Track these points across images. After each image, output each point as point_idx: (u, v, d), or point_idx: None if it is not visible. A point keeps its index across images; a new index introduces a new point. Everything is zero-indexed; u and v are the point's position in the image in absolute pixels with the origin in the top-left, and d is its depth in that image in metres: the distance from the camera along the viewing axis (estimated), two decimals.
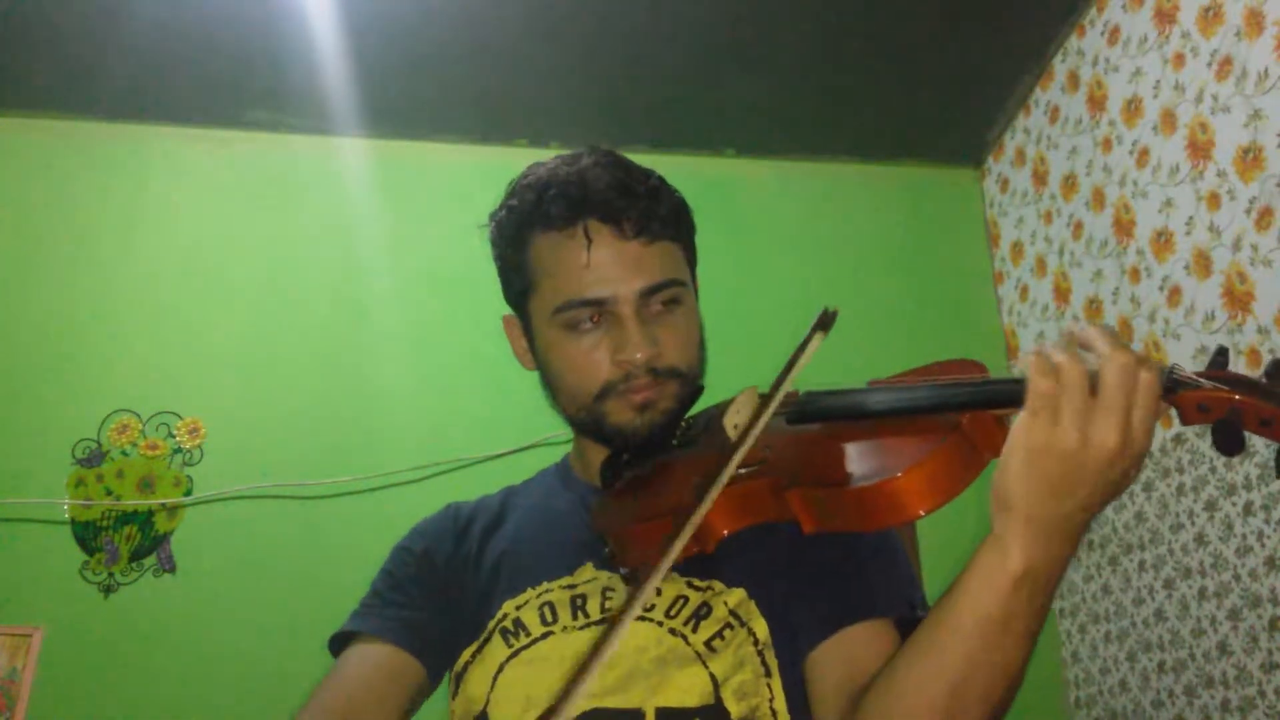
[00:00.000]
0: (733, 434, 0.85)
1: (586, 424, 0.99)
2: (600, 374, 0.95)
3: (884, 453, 0.75)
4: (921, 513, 0.71)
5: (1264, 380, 0.65)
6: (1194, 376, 0.67)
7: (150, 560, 2.33)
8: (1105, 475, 0.67)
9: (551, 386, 1.02)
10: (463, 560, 1.04)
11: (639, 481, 0.95)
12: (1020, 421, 0.68)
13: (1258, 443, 1.84)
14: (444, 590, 1.02)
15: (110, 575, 2.31)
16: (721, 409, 0.93)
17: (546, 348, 1.00)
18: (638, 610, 0.66)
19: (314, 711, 0.93)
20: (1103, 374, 0.66)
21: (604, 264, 0.94)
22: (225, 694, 2.23)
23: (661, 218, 0.97)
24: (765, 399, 0.78)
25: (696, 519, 0.72)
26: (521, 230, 1.00)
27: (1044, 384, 0.67)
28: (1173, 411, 0.68)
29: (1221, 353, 0.69)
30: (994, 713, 0.75)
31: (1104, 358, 0.66)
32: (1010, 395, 0.70)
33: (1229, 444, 0.65)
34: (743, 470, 0.80)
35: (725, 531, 0.82)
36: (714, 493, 0.74)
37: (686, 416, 0.98)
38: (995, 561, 0.70)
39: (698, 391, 0.99)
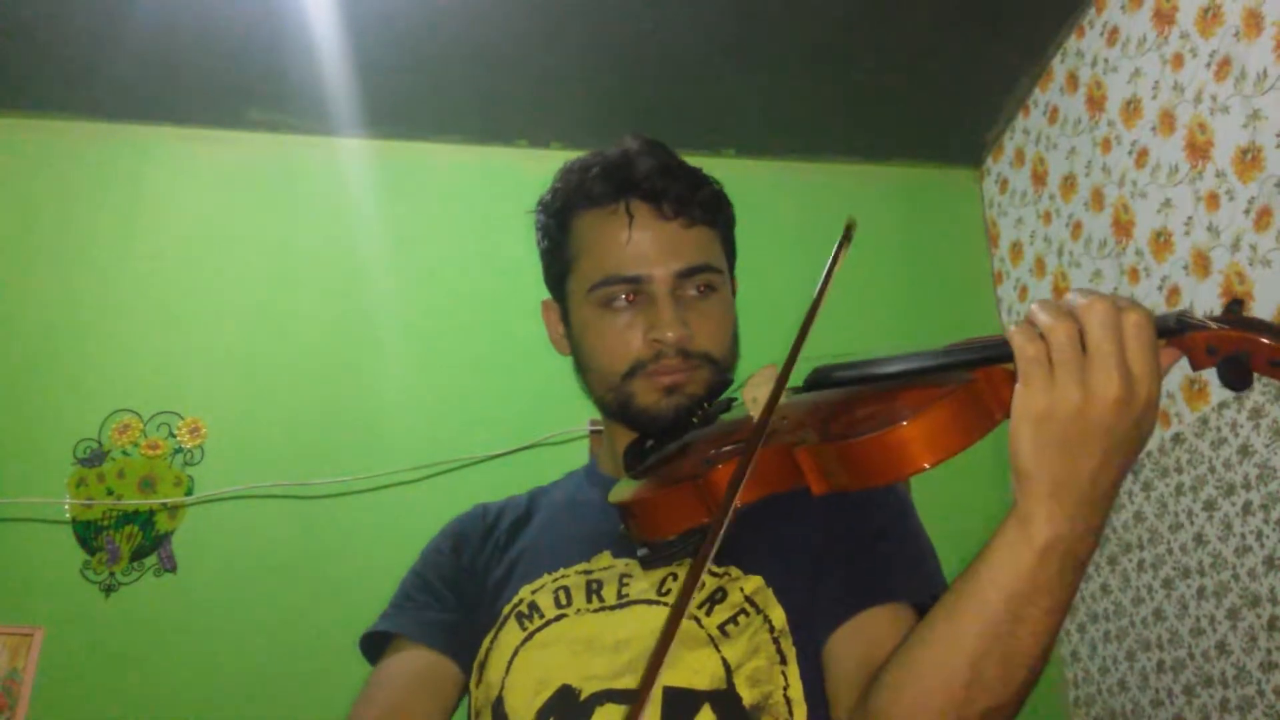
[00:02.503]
0: (752, 408, 0.85)
1: (613, 405, 0.99)
2: (631, 351, 0.96)
3: (893, 408, 0.74)
4: (927, 465, 0.69)
5: (1278, 323, 0.64)
6: (1203, 319, 0.65)
7: (151, 560, 2.34)
8: (1116, 427, 0.65)
9: (583, 367, 1.03)
10: (489, 556, 1.05)
11: (660, 461, 0.95)
12: (1018, 392, 0.67)
13: (1257, 443, 1.84)
14: (472, 589, 1.03)
15: (111, 575, 2.31)
16: (740, 389, 0.93)
17: (581, 326, 1.01)
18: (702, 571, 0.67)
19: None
20: (1085, 324, 0.64)
21: (643, 242, 0.96)
22: (225, 694, 2.23)
23: (702, 203, 0.99)
24: (805, 323, 0.78)
25: (749, 462, 0.72)
26: (565, 209, 1.02)
27: (1030, 349, 0.65)
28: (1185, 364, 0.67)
29: (1236, 302, 0.67)
30: (1015, 694, 0.72)
31: (1082, 309, 0.65)
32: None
33: (1236, 379, 0.64)
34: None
35: (738, 502, 0.80)
36: (759, 436, 0.73)
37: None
38: (1019, 533, 0.68)
39: (727, 382, 0.99)
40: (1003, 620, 0.70)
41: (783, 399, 0.79)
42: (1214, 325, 0.65)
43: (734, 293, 1.06)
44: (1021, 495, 0.68)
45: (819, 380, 0.84)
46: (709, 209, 1.00)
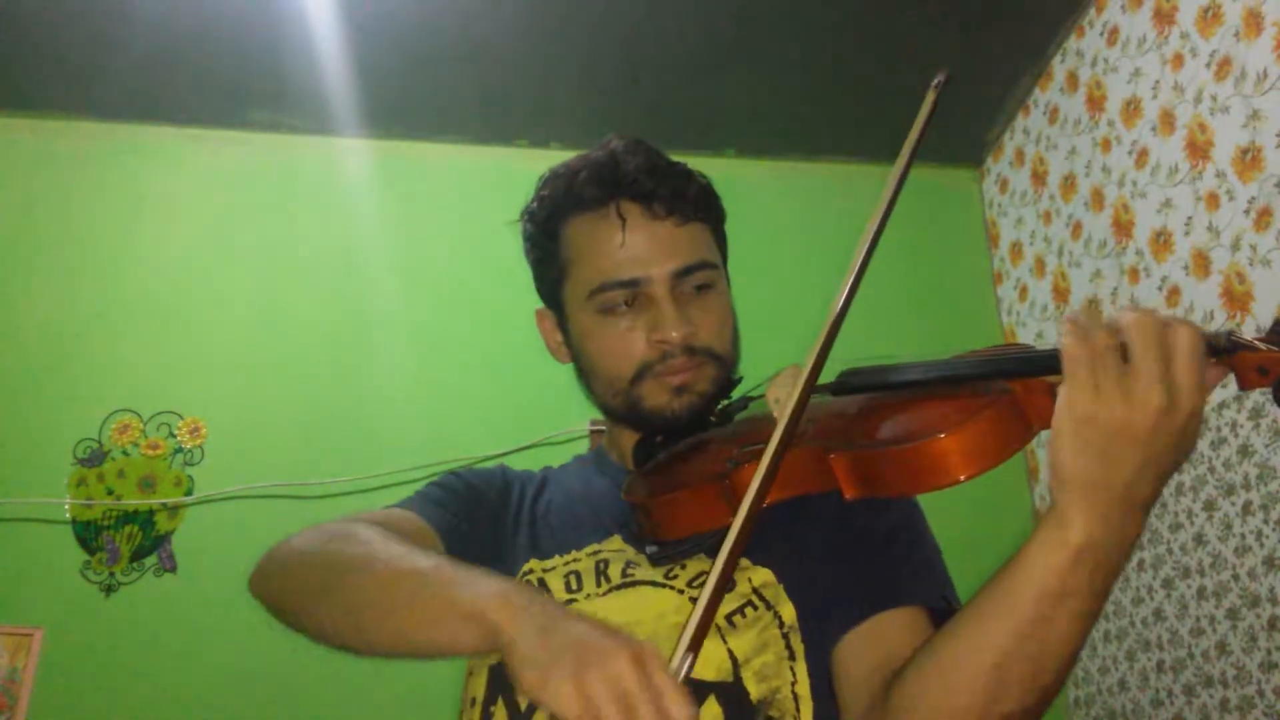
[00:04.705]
0: (776, 409, 0.84)
1: (623, 410, 0.99)
2: (636, 355, 0.95)
3: (931, 417, 0.73)
4: (963, 476, 0.70)
5: None
6: (1252, 340, 0.66)
7: (151, 560, 2.34)
8: (1156, 437, 0.65)
9: (587, 374, 1.02)
10: (505, 504, 1.05)
11: (672, 459, 0.95)
12: (1062, 394, 0.67)
13: (1257, 442, 1.84)
14: (482, 518, 1.03)
15: (111, 575, 2.31)
16: (759, 391, 0.92)
17: (582, 334, 1.00)
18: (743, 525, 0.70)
19: (351, 517, 0.94)
20: (1129, 336, 0.65)
21: (637, 244, 0.95)
22: (225, 694, 2.23)
23: (692, 199, 0.99)
24: (857, 269, 0.79)
25: (778, 439, 0.72)
26: (554, 216, 1.01)
27: (1076, 348, 0.66)
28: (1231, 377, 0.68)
29: None
30: (1038, 699, 0.72)
31: (1126, 322, 0.66)
32: (1059, 363, 0.68)
33: None
34: None
35: (764, 503, 0.80)
36: (794, 414, 0.74)
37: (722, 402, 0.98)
38: (1055, 534, 0.68)
39: (734, 381, 0.99)
40: (1032, 620, 0.70)
41: (811, 400, 0.78)
42: (1264, 346, 0.65)
43: (729, 285, 1.05)
44: (1058, 497, 0.69)
45: (850, 384, 0.83)
46: (700, 205, 1.00)
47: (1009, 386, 0.72)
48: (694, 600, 0.90)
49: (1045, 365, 0.70)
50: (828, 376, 0.85)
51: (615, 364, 0.97)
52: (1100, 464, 0.66)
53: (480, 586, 0.74)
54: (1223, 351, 0.66)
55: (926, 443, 0.70)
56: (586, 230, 0.98)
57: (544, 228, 1.02)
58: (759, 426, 0.87)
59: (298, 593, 0.89)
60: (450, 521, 0.99)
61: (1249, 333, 0.67)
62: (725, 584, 0.67)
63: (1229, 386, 1.93)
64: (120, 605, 2.29)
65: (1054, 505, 0.69)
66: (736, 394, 0.99)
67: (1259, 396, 1.83)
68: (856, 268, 0.81)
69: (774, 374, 0.88)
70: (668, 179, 0.98)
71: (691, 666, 0.66)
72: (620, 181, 0.97)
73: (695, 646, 0.65)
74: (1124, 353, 0.65)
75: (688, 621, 0.67)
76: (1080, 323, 0.67)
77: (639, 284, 0.95)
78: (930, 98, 0.83)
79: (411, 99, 2.66)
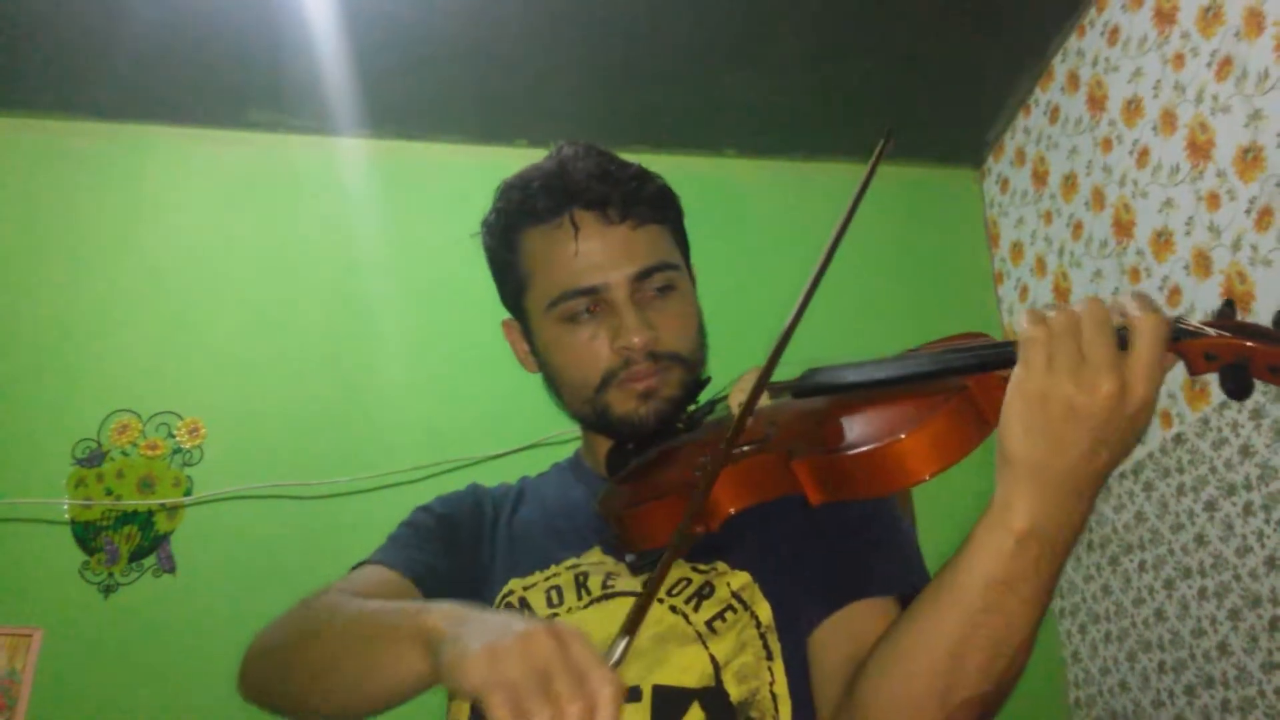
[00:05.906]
0: (737, 412, 0.85)
1: (591, 418, 0.99)
2: (600, 363, 0.95)
3: (889, 418, 0.74)
4: (926, 476, 0.70)
5: (1273, 328, 0.64)
6: (1200, 326, 0.66)
7: (150, 560, 2.33)
8: (1107, 424, 0.65)
9: (554, 384, 1.02)
10: (479, 527, 1.05)
11: (644, 467, 0.95)
12: (1015, 373, 0.67)
13: (1258, 443, 1.83)
14: (458, 547, 1.02)
15: (110, 575, 2.31)
16: (725, 394, 0.93)
17: (546, 345, 1.00)
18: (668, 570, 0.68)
19: (328, 589, 0.93)
20: (1082, 322, 0.66)
21: (593, 251, 0.95)
22: (225, 694, 2.21)
23: (647, 201, 0.98)
24: (811, 279, 0.79)
25: (709, 479, 0.73)
26: (510, 229, 1.02)
27: (1032, 330, 0.66)
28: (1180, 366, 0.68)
29: (1229, 304, 0.67)
30: (996, 685, 0.72)
31: (1081, 309, 0.66)
32: (1013, 356, 0.69)
33: (1238, 388, 0.64)
34: (747, 447, 0.79)
35: (732, 510, 0.81)
36: (730, 440, 0.74)
37: (690, 406, 0.98)
38: (998, 519, 0.69)
39: (703, 382, 0.99)
40: (981, 608, 0.70)
41: (774, 402, 0.78)
42: (1211, 332, 0.65)
43: (694, 284, 1.04)
44: (1004, 481, 0.69)
45: (811, 385, 0.84)
46: (655, 206, 0.99)
47: (964, 383, 0.72)
48: (674, 609, 0.90)
49: (999, 359, 0.71)
50: (799, 369, 0.85)
51: (580, 373, 0.96)
52: (1048, 445, 0.66)
53: (421, 609, 0.74)
54: (1170, 339, 0.66)
55: (886, 445, 0.71)
56: (542, 242, 0.98)
57: (501, 240, 1.03)
58: (728, 431, 0.88)
59: (272, 680, 0.92)
60: (423, 563, 0.98)
61: (1196, 318, 0.67)
62: (653, 595, 0.67)
63: None
64: (119, 606, 2.29)
65: (998, 490, 0.69)
66: (704, 397, 0.98)
67: (1260, 396, 1.83)
68: (808, 288, 0.81)
69: (737, 377, 0.88)
70: (619, 183, 0.97)
71: (626, 651, 0.64)
72: (571, 190, 0.97)
73: (630, 630, 0.64)
74: (1079, 336, 0.66)
75: (632, 609, 0.66)
76: (1039, 310, 0.68)
77: (598, 291, 0.95)
78: (877, 150, 0.84)
79: (411, 99, 2.66)
